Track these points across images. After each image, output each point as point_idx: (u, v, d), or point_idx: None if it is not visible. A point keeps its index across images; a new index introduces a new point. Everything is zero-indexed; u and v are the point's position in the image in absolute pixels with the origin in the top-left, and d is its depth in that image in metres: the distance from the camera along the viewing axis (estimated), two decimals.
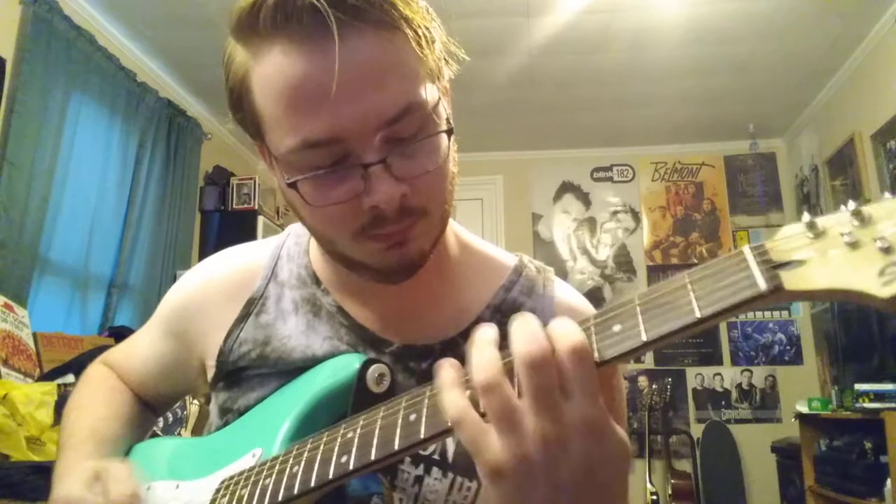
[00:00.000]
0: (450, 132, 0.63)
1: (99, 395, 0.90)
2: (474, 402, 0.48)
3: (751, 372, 4.71)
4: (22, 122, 2.68)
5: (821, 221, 0.39)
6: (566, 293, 0.80)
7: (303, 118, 0.59)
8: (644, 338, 0.43)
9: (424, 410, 0.52)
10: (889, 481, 2.86)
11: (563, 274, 4.65)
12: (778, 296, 0.38)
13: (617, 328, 0.45)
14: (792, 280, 0.38)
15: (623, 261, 4.98)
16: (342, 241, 0.66)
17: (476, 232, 0.85)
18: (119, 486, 0.71)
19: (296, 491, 0.58)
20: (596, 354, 0.45)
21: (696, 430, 4.62)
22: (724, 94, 4.24)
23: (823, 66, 3.92)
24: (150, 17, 3.33)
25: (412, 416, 0.53)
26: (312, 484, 0.57)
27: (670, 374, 4.69)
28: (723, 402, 4.69)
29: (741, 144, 4.90)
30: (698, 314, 0.41)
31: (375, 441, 0.54)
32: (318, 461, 0.58)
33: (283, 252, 0.84)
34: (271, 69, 0.59)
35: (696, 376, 4.74)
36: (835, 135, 4.12)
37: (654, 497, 4.24)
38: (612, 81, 4.08)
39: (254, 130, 0.65)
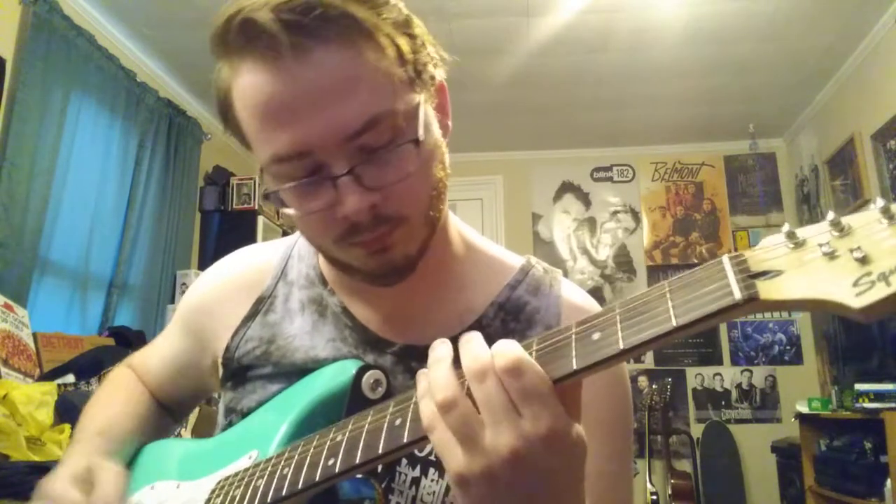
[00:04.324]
0: (417, 142, 0.62)
1: (116, 394, 0.92)
2: None
3: (751, 372, 4.71)
4: (22, 122, 2.68)
5: (800, 232, 0.39)
6: (572, 293, 0.79)
7: (271, 134, 0.61)
8: (621, 346, 0.44)
9: (409, 415, 0.53)
10: (889, 481, 2.86)
11: (562, 274, 4.64)
12: (753, 305, 0.38)
13: (596, 336, 0.46)
14: (767, 290, 0.38)
15: (623, 261, 4.98)
16: (328, 247, 0.68)
17: (480, 234, 0.85)
18: (103, 491, 0.72)
19: (284, 492, 0.59)
20: (574, 363, 0.46)
21: (696, 430, 4.62)
22: (724, 94, 4.24)
23: (823, 66, 3.92)
24: (150, 17, 3.34)
25: (397, 421, 0.54)
26: (300, 486, 0.58)
27: (670, 374, 4.69)
28: (723, 402, 4.69)
29: (741, 144, 4.89)
30: (674, 323, 0.41)
31: (361, 444, 0.55)
32: (306, 464, 0.59)
33: (295, 252, 0.85)
34: (243, 87, 0.62)
35: (696, 376, 4.74)
36: (835, 135, 4.12)
37: (654, 497, 4.24)
38: (612, 81, 4.08)
39: (241, 141, 0.67)
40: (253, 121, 0.62)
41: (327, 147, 0.60)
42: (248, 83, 0.61)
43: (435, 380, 0.49)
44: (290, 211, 0.65)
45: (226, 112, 0.66)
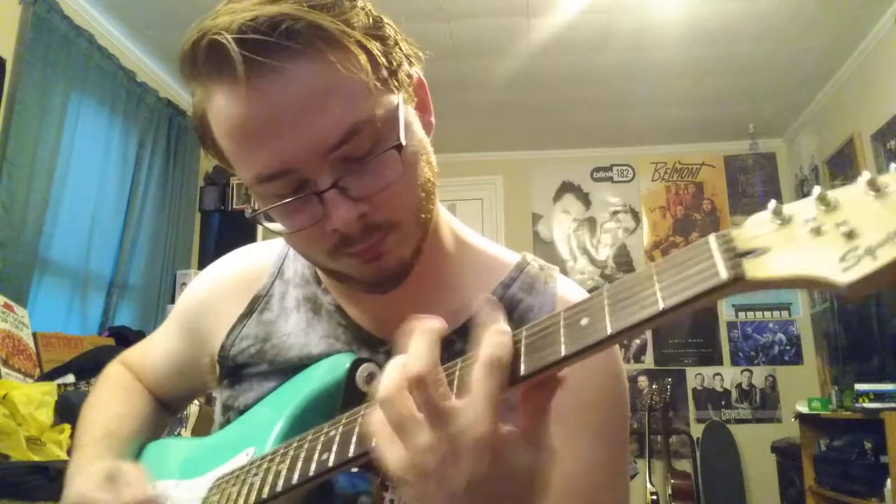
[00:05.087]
0: (400, 147, 0.61)
1: (115, 394, 0.92)
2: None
3: (751, 372, 4.70)
4: (22, 122, 2.69)
5: (787, 208, 0.38)
6: (567, 289, 0.78)
7: (251, 154, 0.61)
8: (609, 331, 0.43)
9: None
10: (889, 481, 2.85)
11: (563, 274, 4.64)
12: (741, 285, 0.37)
13: (585, 322, 0.45)
14: (754, 268, 0.37)
15: (623, 261, 4.98)
16: (320, 259, 0.68)
17: (476, 232, 0.84)
18: (131, 489, 0.73)
19: (279, 488, 0.59)
20: (562, 349, 0.45)
21: (696, 430, 4.61)
22: (724, 94, 4.23)
23: (823, 66, 3.92)
24: (150, 17, 3.34)
25: None
26: (295, 481, 0.58)
27: (670, 374, 4.68)
28: (723, 402, 4.68)
29: (741, 144, 4.89)
30: (661, 305, 0.40)
31: (355, 438, 0.55)
32: (301, 459, 0.59)
33: (291, 251, 0.85)
34: (218, 111, 0.61)
35: (696, 376, 4.73)
36: (835, 135, 4.12)
37: (654, 497, 4.24)
38: (612, 81, 4.08)
39: (222, 161, 0.67)
40: (232, 144, 0.62)
41: (309, 162, 0.60)
42: (223, 107, 0.60)
43: (384, 378, 0.49)
44: (278, 227, 0.65)
45: (204, 135, 0.66)
